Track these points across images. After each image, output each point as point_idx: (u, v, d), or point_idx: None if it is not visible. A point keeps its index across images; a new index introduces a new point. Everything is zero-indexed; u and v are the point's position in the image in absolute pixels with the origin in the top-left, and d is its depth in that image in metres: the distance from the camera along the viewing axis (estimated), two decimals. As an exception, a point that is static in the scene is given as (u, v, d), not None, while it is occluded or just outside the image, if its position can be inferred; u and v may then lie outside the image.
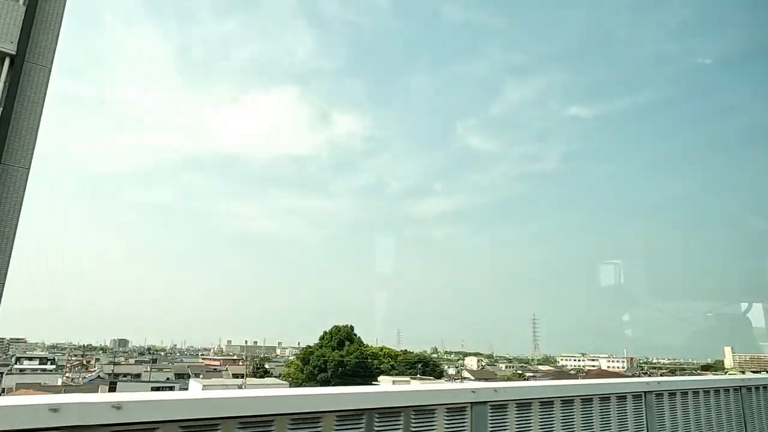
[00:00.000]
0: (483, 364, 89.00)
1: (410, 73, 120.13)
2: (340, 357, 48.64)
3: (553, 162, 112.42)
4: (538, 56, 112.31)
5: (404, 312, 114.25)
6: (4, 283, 10.83)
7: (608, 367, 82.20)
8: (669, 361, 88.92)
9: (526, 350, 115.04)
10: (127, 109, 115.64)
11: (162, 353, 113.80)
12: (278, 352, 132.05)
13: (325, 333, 52.31)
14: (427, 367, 54.64)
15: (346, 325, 52.87)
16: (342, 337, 51.69)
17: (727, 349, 71.89)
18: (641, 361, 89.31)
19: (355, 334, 54.62)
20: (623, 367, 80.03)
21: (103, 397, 1.47)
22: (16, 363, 60.78)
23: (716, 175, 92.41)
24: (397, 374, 51.14)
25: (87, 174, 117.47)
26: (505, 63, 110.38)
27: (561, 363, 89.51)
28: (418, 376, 49.88)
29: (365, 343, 56.66)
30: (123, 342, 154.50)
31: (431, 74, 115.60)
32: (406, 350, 61.40)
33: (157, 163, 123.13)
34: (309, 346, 50.49)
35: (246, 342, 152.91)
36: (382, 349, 55.06)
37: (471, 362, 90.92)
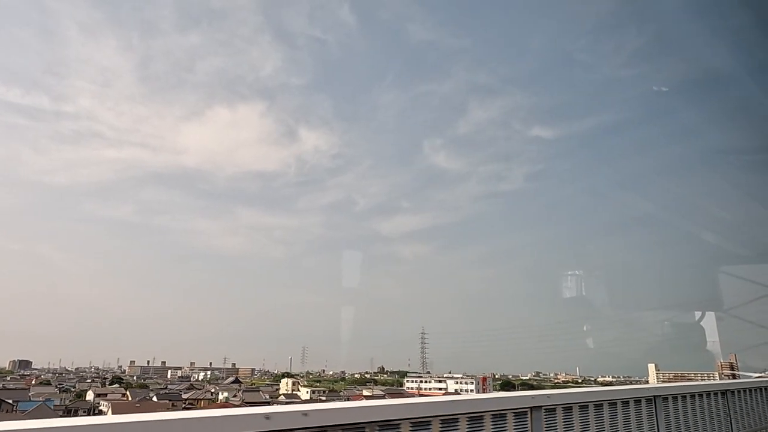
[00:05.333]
0: (297, 387, 66.22)
1: (377, 90, 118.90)
2: None
3: (517, 182, 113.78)
4: (501, 77, 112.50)
5: (361, 329, 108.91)
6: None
7: (455, 390, 62.62)
8: (614, 378, 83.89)
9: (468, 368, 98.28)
10: (86, 121, 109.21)
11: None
12: (182, 373, 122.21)
13: None
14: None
15: None
16: None
17: (651, 366, 66.95)
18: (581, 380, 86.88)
19: None
20: (469, 390, 66.62)
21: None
22: None
23: (674, 195, 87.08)
24: None
25: (41, 186, 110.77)
26: (470, 83, 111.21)
27: (408, 385, 68.90)
28: None
29: None
30: (25, 363, 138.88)
31: (398, 92, 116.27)
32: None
33: (117, 177, 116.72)
34: None
35: (148, 362, 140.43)
36: None
37: (285, 384, 69.16)
